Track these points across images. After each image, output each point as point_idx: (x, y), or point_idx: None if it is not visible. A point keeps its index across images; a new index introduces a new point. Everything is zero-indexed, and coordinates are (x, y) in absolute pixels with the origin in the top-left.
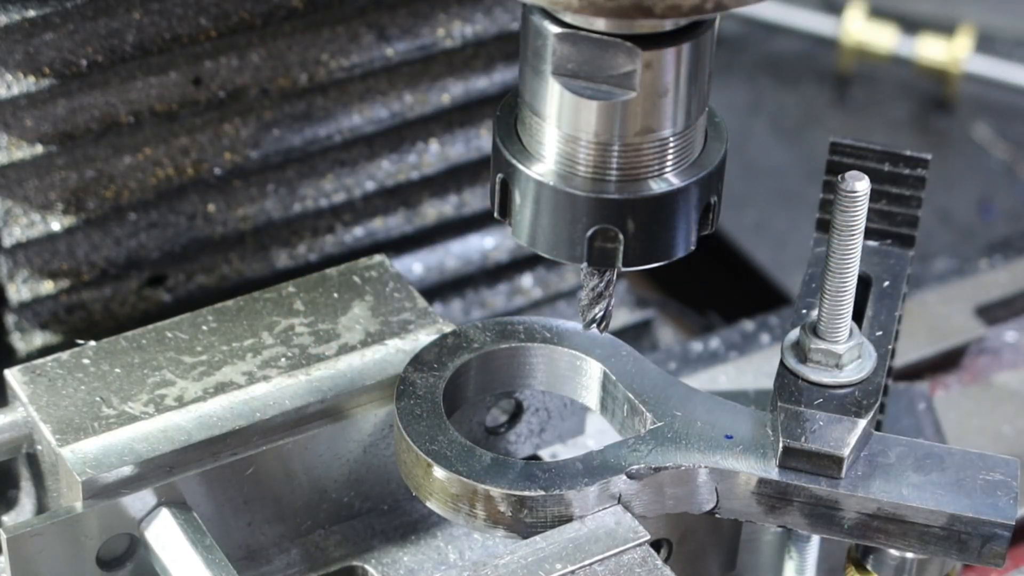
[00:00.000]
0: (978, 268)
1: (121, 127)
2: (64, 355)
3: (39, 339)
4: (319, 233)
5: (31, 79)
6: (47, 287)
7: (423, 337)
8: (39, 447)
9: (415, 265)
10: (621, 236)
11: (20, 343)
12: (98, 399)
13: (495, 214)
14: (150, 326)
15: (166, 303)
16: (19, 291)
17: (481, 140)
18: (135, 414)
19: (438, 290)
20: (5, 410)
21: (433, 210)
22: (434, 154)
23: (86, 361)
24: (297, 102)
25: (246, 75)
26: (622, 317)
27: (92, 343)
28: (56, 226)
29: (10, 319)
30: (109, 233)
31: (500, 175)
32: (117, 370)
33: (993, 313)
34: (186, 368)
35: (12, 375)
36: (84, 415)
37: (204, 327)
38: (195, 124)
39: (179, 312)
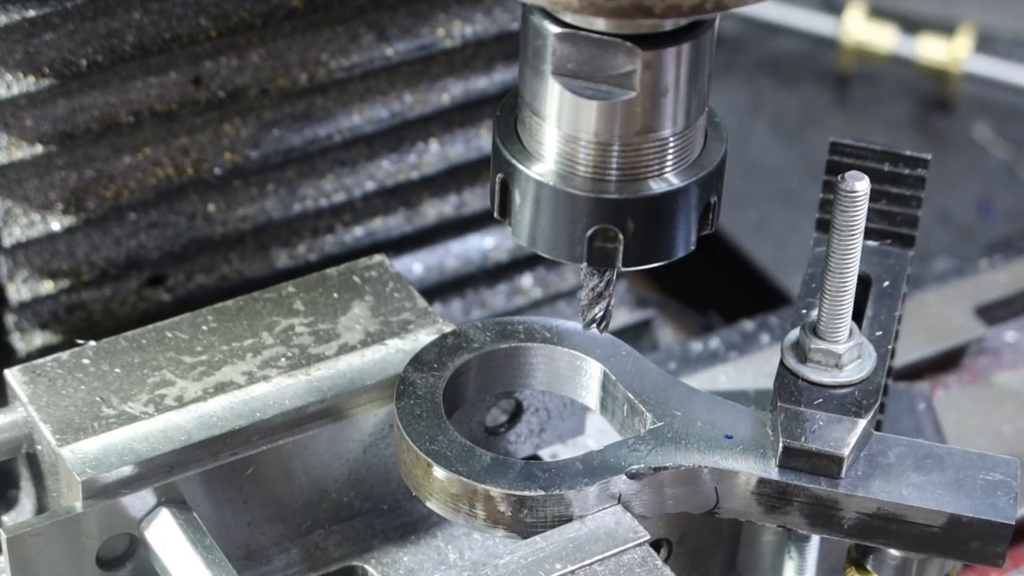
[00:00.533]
0: (978, 268)
1: (121, 127)
2: (64, 355)
3: (39, 339)
4: (319, 233)
5: (31, 79)
6: (47, 287)
7: (423, 337)
8: (39, 447)
9: (415, 265)
10: (621, 236)
11: (20, 343)
12: (98, 399)
13: (495, 214)
14: (150, 326)
15: (166, 303)
16: (19, 291)
17: (481, 140)
18: (135, 414)
19: (438, 290)
20: (5, 410)
21: (433, 210)
22: (434, 154)
23: (86, 361)
24: (297, 102)
25: (246, 75)
26: (622, 317)
27: (92, 343)
28: (56, 226)
29: (10, 319)
30: (109, 233)
31: (500, 175)
32: (117, 370)
33: (993, 313)
34: (186, 368)
35: (12, 375)
36: (84, 415)
37: (204, 327)
38: (195, 124)
39: (179, 312)
